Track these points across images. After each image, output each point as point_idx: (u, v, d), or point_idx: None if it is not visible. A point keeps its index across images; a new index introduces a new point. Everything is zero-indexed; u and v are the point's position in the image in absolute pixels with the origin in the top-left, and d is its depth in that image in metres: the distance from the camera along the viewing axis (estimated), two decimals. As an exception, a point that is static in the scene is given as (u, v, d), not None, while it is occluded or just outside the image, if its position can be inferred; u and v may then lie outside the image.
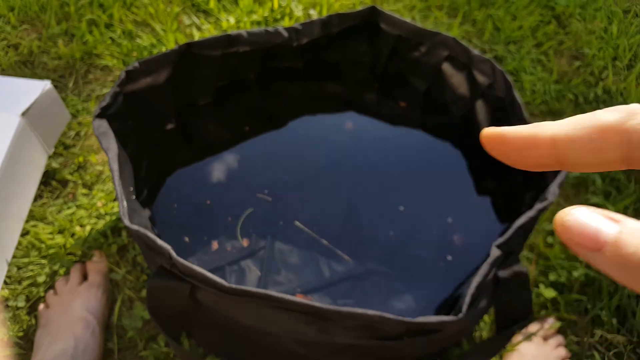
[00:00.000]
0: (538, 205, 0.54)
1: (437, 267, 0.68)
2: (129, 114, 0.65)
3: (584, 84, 1.04)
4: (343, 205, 0.74)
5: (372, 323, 0.46)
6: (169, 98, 0.73)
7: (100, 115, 0.59)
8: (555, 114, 0.97)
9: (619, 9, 1.21)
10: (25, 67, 0.93)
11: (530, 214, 0.53)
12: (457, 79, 0.81)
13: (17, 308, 0.64)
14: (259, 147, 0.80)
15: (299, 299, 0.45)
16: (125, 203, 0.49)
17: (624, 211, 0.81)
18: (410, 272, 0.67)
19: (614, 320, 0.68)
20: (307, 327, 0.47)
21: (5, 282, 0.66)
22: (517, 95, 0.69)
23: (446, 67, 0.81)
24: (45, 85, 0.76)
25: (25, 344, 0.62)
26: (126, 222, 0.47)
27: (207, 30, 1.04)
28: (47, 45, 0.96)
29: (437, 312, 0.64)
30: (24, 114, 0.72)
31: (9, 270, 0.67)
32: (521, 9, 1.17)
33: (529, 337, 0.63)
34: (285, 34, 0.76)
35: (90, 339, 0.59)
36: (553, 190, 0.56)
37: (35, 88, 0.75)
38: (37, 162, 0.76)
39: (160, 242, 0.46)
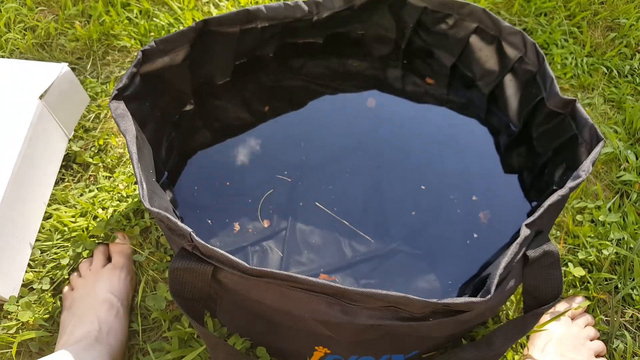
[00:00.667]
0: (570, 183, 0.52)
1: (462, 246, 0.66)
2: (146, 95, 0.65)
3: (619, 56, 0.99)
4: (364, 185, 0.72)
5: (397, 305, 0.45)
6: (186, 78, 0.72)
7: (117, 96, 0.58)
8: (587, 89, 0.94)
9: (657, -26, 1.15)
10: (43, 50, 0.93)
11: (561, 192, 0.51)
12: (485, 53, 0.78)
13: (42, 290, 0.65)
14: (279, 127, 0.78)
15: (321, 280, 0.44)
16: (144, 185, 0.49)
17: (658, 188, 0.78)
18: (434, 251, 0.66)
19: (646, 300, 0.66)
20: (330, 308, 0.46)
21: (29, 265, 0.67)
22: (548, 68, 0.66)
23: (474, 40, 0.78)
24: (63, 67, 0.76)
25: (51, 326, 0.62)
26: (146, 204, 0.47)
27: (224, 7, 1.02)
28: (64, 27, 0.96)
29: (462, 290, 0.63)
30: (41, 97, 0.72)
31: (32, 254, 0.68)
32: (552, -23, 1.12)
33: (557, 317, 0.61)
34: (305, 7, 0.74)
35: (115, 321, 0.59)
36: (586, 167, 0.53)
37: (53, 71, 0.75)
38: (57, 146, 0.76)
39: (180, 224, 0.45)
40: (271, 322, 0.53)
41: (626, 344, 0.63)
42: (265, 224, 0.68)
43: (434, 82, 0.84)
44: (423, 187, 0.72)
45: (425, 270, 0.64)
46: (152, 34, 0.96)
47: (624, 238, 0.71)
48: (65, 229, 0.70)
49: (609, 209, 0.75)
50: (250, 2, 1.03)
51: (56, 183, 0.75)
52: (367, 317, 0.46)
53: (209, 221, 0.67)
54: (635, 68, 0.97)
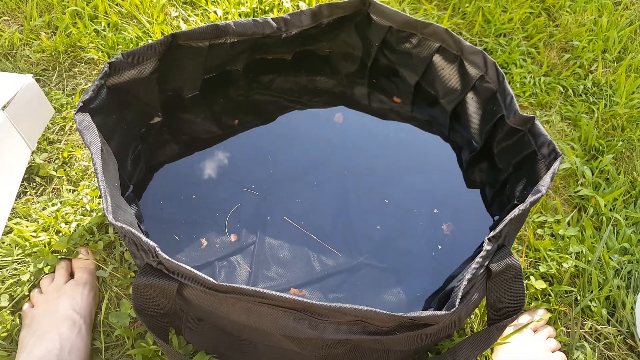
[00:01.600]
0: (530, 198, 0.54)
1: (428, 258, 0.68)
2: (113, 108, 0.64)
3: (573, 76, 1.04)
4: (332, 199, 0.73)
5: (364, 319, 0.45)
6: (154, 91, 0.72)
7: (83, 108, 0.57)
8: (545, 107, 0.97)
9: (609, 1, 1.21)
10: (7, 61, 0.91)
11: (522, 206, 0.53)
12: (448, 71, 0.80)
13: (0, 308, 0.62)
14: (248, 141, 0.79)
15: (288, 295, 0.44)
16: (108, 199, 0.48)
17: (613, 203, 0.81)
18: (401, 265, 0.67)
19: (604, 311, 0.68)
20: (298, 323, 0.46)
21: (-13, 281, 0.64)
22: (508, 86, 0.68)
23: (437, 59, 0.81)
24: (27, 79, 0.74)
25: (8, 345, 0.60)
26: (110, 218, 0.46)
27: (194, 23, 1.02)
28: (29, 37, 0.94)
29: (429, 303, 0.63)
30: (4, 108, 0.70)
31: (-9, 269, 0.65)
32: (511, 1, 1.17)
33: (519, 330, 0.63)
34: (274, 24, 0.75)
35: (77, 339, 0.57)
36: (546, 182, 0.55)
37: (16, 82, 0.73)
38: (20, 158, 0.74)
39: (145, 239, 0.45)
40: (238, 338, 0.53)
41: (586, 355, 0.64)
42: (233, 238, 0.67)
43: (401, 100, 0.86)
44: (386, 200, 0.73)
45: (392, 283, 0.65)
46: (120, 46, 0.95)
47: (582, 251, 0.73)
48: (26, 243, 0.67)
49: (568, 223, 0.78)
50: (220, 18, 1.04)
51: (18, 196, 0.73)
52: (334, 332, 0.46)
53: (176, 237, 0.66)
54: (588, 88, 1.02)
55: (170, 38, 0.68)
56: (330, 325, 0.46)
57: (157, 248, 0.44)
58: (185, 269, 0.44)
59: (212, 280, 0.44)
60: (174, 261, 0.44)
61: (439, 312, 0.45)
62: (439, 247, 0.69)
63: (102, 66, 0.92)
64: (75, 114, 0.56)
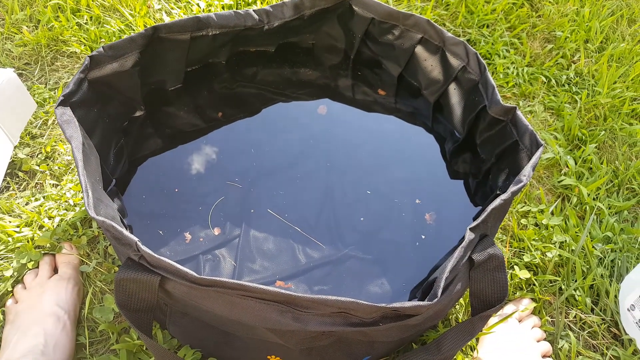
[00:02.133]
0: (512, 188, 0.54)
1: (412, 248, 0.68)
2: (94, 101, 0.63)
3: (556, 66, 1.04)
4: (316, 191, 0.73)
5: (347, 310, 0.45)
6: (136, 84, 0.71)
7: (64, 102, 0.57)
8: (528, 97, 0.98)
9: (591, -9, 1.22)
10: (-13, 55, 0.90)
11: (504, 196, 0.53)
12: (430, 62, 0.80)
13: (-17, 304, 0.62)
14: (232, 134, 0.78)
15: (270, 288, 0.44)
16: (90, 193, 0.48)
17: (596, 192, 0.82)
18: (385, 255, 0.67)
19: (588, 300, 0.69)
20: (281, 315, 0.46)
21: (-31, 278, 0.64)
22: (490, 77, 0.69)
23: (419, 50, 0.81)
24: (8, 73, 0.73)
25: (-9, 341, 0.60)
26: (91, 213, 0.46)
27: (177, 15, 1.01)
28: (10, 31, 0.93)
29: (414, 293, 0.64)
30: (-16, 103, 0.69)
31: (-27, 266, 0.64)
32: (495, -9, 1.17)
33: (504, 319, 0.63)
34: (256, 16, 0.75)
35: (61, 334, 0.57)
36: (527, 172, 0.56)
37: (-3, 76, 0.72)
38: (2, 153, 0.73)
39: (126, 233, 0.44)
40: (222, 332, 0.53)
41: (570, 344, 0.65)
42: (217, 231, 0.67)
43: (385, 93, 0.86)
44: (369, 192, 0.73)
45: (377, 274, 0.65)
46: (103, 40, 0.94)
47: (566, 240, 0.74)
48: (9, 239, 0.67)
49: (552, 213, 0.79)
50: (204, 11, 1.03)
51: (0, 192, 0.72)
52: (318, 324, 0.46)
53: (160, 231, 0.66)
54: (571, 78, 1.02)
55: (152, 31, 0.68)
56: (314, 317, 0.46)
57: (138, 242, 0.44)
58: (166, 262, 0.44)
59: (194, 273, 0.43)
60: (156, 255, 0.44)
61: (421, 303, 0.46)
62: (423, 237, 0.69)
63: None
64: (55, 108, 0.56)
